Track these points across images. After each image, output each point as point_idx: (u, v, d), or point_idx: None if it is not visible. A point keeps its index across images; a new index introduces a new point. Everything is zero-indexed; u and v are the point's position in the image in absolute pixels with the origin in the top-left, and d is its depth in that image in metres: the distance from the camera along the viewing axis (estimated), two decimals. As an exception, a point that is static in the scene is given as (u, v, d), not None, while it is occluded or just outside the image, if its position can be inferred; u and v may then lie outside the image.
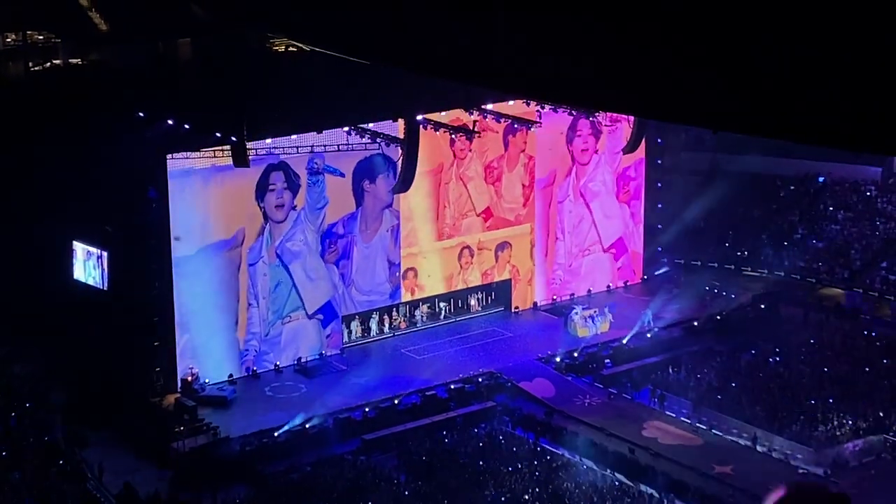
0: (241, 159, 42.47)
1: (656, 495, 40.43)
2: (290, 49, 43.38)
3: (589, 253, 58.36)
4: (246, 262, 47.98)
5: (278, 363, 49.16)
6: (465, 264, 54.77)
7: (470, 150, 53.37)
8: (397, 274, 52.75)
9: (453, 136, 50.91)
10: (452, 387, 47.39)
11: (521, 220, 56.19)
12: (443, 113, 49.50)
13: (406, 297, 53.41)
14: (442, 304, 54.56)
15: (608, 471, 42.19)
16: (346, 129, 47.10)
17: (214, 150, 44.67)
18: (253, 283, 48.32)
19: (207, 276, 47.04)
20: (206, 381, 46.82)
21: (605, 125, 55.24)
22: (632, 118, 54.55)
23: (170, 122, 42.38)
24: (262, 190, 48.13)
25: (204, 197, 46.52)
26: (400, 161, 47.80)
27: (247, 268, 48.04)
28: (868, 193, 60.18)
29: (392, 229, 52.18)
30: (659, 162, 59.73)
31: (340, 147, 47.78)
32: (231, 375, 47.83)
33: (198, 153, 44.75)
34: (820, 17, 9.35)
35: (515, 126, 52.75)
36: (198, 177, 46.14)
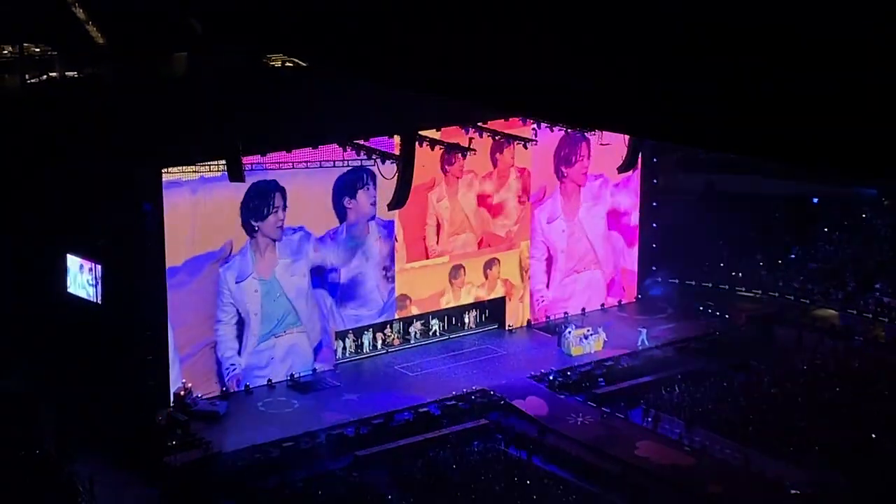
0: (236, 174, 42.56)
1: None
2: (287, 64, 43.56)
3: (582, 271, 58.51)
4: (234, 276, 48.04)
5: (271, 379, 49.27)
6: (457, 283, 54.86)
7: (461, 167, 53.35)
8: (392, 295, 52.75)
9: (448, 153, 51.15)
10: (445, 404, 47.46)
11: (514, 237, 56.31)
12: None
13: (399, 315, 53.52)
14: (435, 321, 54.69)
15: (600, 489, 42.33)
16: (343, 144, 47.20)
17: (210, 165, 44.90)
18: (241, 297, 48.34)
19: (194, 288, 47.26)
20: (199, 395, 46.91)
21: (601, 143, 55.50)
22: (627, 137, 54.85)
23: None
24: (253, 209, 48.14)
25: (191, 208, 46.66)
26: (395, 177, 47.95)
27: (234, 282, 48.08)
28: (863, 215, 60.44)
29: (381, 239, 52.02)
30: (654, 181, 59.96)
31: (323, 164, 47.80)
32: (224, 390, 47.91)
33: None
34: (809, 48, 9.60)
35: (502, 141, 52.65)
36: (186, 188, 46.30)
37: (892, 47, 9.10)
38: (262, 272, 48.75)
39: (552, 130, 53.70)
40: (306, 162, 47.28)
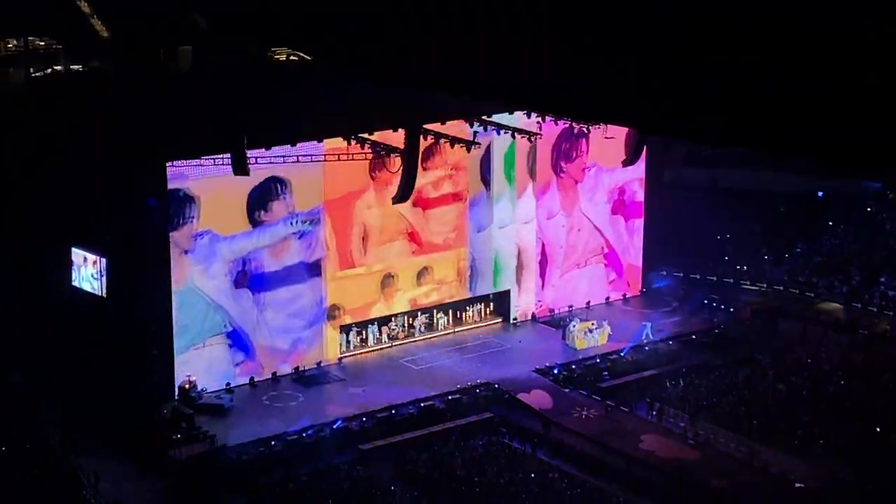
0: (240, 167, 42.61)
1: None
2: (292, 58, 43.60)
3: (584, 266, 58.45)
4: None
5: (276, 371, 49.34)
6: (388, 292, 52.76)
7: (390, 173, 49.18)
8: (323, 304, 50.68)
9: (452, 146, 50.90)
10: (450, 398, 47.55)
11: (451, 245, 54.25)
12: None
13: (330, 332, 51.11)
14: (440, 315, 54.71)
15: (605, 483, 42.41)
16: (347, 137, 47.17)
17: (214, 158, 44.93)
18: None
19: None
20: (204, 388, 47.01)
21: (606, 137, 55.33)
22: (631, 131, 54.81)
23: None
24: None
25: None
26: (399, 171, 47.87)
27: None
28: (868, 209, 60.42)
29: (304, 249, 49.77)
30: (659, 176, 59.92)
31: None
32: (228, 384, 48.01)
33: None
34: (811, 46, 9.63)
35: (440, 143, 49.85)
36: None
37: (891, 47, 9.13)
38: (176, 282, 46.98)
39: (556, 124, 53.63)
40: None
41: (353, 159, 47.89)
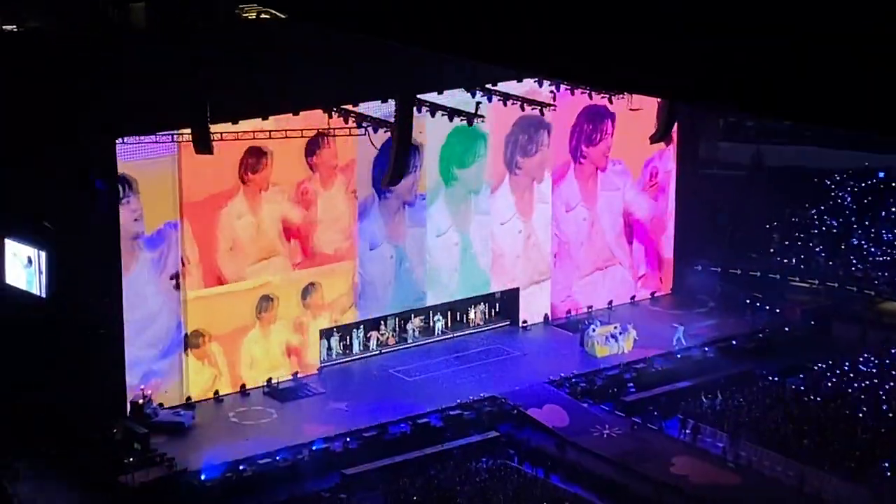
0: (203, 145, 42.51)
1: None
2: (263, 17, 43.49)
3: (605, 269, 58.39)
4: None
5: (245, 384, 49.30)
6: (266, 318, 50.37)
7: (267, 176, 48.80)
8: (181, 330, 48.63)
9: (452, 119, 50.69)
10: (449, 414, 47.52)
11: (343, 256, 51.94)
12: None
13: (194, 366, 48.83)
14: (437, 318, 54.64)
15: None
16: (328, 110, 47.12)
17: (173, 135, 44.84)
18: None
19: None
20: (161, 404, 46.93)
21: (630, 109, 55.04)
22: (661, 103, 54.54)
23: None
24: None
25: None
26: (392, 149, 47.72)
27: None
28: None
29: (153, 261, 47.83)
30: (692, 154, 59.85)
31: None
32: (189, 398, 47.94)
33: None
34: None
35: (328, 135, 48.94)
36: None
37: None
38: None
39: (573, 94, 53.49)
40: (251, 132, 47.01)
41: (335, 136, 47.92)
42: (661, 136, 55.63)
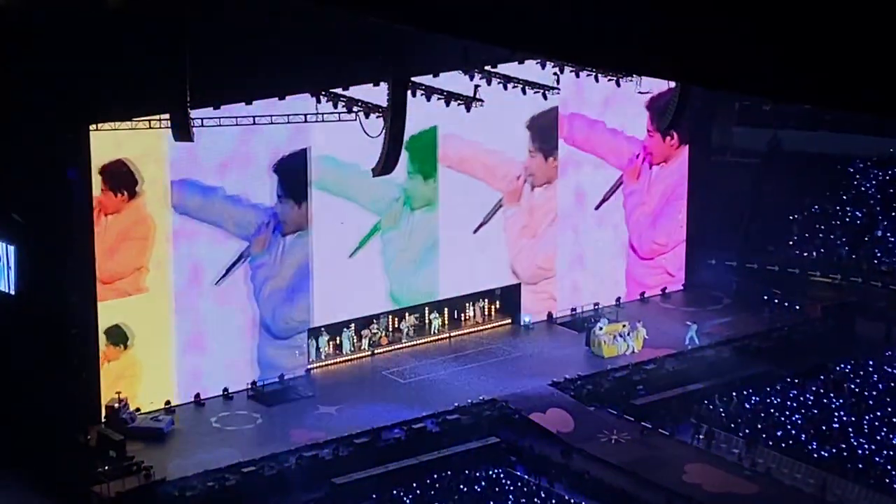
0: (183, 132, 42.52)
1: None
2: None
3: (615, 256, 58.49)
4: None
5: (227, 387, 49.25)
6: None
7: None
8: None
9: (448, 103, 50.61)
10: (446, 419, 47.52)
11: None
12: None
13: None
14: (433, 315, 54.55)
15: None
16: (316, 94, 47.08)
17: (150, 121, 44.74)
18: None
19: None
20: (138, 408, 46.85)
21: (640, 92, 54.90)
22: (671, 86, 54.41)
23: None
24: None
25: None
26: (383, 135, 47.64)
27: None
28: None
29: None
30: (705, 138, 59.78)
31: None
32: (168, 402, 47.88)
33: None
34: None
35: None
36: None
37: None
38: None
39: (577, 76, 53.43)
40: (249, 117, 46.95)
41: (323, 121, 47.87)
42: (671, 123, 55.34)
